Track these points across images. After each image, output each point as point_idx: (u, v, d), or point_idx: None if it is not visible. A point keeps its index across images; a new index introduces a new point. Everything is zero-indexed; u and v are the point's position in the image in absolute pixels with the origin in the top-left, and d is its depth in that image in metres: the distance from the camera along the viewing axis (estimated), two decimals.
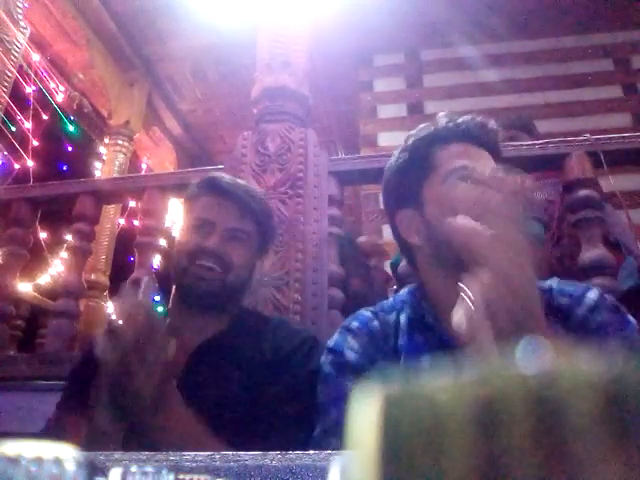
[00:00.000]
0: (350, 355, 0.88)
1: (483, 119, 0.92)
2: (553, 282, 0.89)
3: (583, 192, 1.57)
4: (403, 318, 0.91)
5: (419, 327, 0.88)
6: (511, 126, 2.10)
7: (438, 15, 3.54)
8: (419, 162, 0.91)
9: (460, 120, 0.91)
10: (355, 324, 0.93)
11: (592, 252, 1.51)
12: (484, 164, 0.87)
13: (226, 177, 1.15)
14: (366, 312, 0.96)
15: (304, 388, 0.93)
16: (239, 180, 1.19)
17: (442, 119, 0.93)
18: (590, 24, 3.63)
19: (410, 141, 0.94)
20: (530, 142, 1.71)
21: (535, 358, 0.16)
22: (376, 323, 0.92)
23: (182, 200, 1.19)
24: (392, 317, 0.92)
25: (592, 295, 0.84)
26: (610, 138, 1.66)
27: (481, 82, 3.60)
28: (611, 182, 1.65)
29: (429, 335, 0.86)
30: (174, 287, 1.11)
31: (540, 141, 1.70)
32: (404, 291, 0.97)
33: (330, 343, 0.93)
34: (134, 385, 0.75)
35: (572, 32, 3.68)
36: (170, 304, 1.14)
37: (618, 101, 3.55)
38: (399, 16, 3.54)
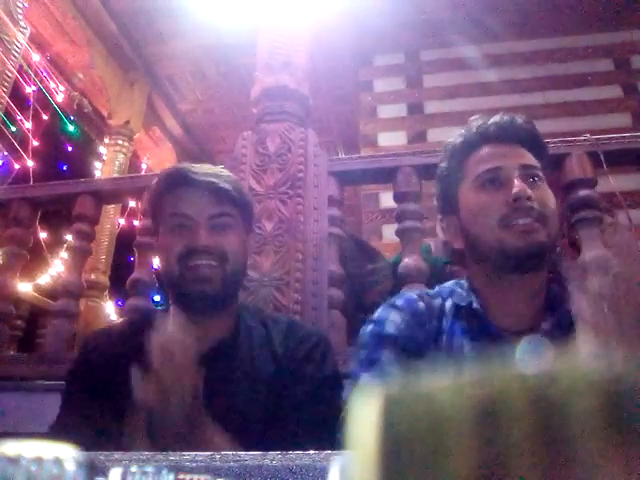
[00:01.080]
0: (390, 328, 0.90)
1: (511, 116, 0.94)
2: None
3: (583, 192, 1.57)
4: (449, 304, 0.93)
5: (464, 314, 0.90)
6: None
7: (438, 15, 3.54)
8: (454, 171, 0.95)
9: (488, 122, 0.93)
10: (400, 302, 0.95)
11: (592, 252, 1.51)
12: (512, 161, 0.89)
13: (188, 166, 1.06)
14: (412, 294, 0.98)
15: (322, 394, 0.93)
16: (205, 165, 1.10)
17: (472, 123, 0.96)
18: (590, 24, 3.63)
19: (447, 150, 0.98)
20: None
21: (535, 358, 0.16)
22: (421, 304, 0.94)
23: (148, 209, 1.11)
24: (437, 302, 0.95)
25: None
26: (610, 138, 1.66)
27: (481, 82, 3.60)
28: (611, 182, 1.65)
29: (473, 323, 0.89)
30: (170, 295, 1.05)
31: None
32: (450, 282, 1.00)
33: (373, 316, 0.95)
34: (170, 419, 0.75)
35: (572, 32, 3.68)
36: (168, 312, 1.03)
37: (618, 101, 3.55)
38: (399, 16, 3.54)
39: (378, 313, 0.94)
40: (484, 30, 3.55)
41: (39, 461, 0.27)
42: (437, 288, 1.00)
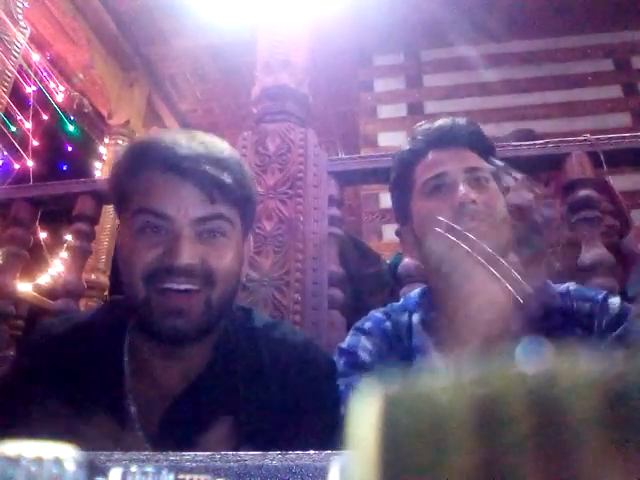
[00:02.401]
0: (364, 355, 0.89)
1: (453, 119, 0.94)
2: (570, 285, 0.91)
3: (583, 192, 1.57)
4: (416, 319, 0.92)
5: (432, 328, 0.89)
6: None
7: (438, 15, 3.54)
8: (404, 180, 0.94)
9: (431, 128, 0.93)
10: (368, 325, 0.95)
11: (592, 252, 1.51)
12: (457, 165, 0.88)
13: (170, 138, 0.74)
14: (377, 313, 0.97)
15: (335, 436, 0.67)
16: (192, 135, 0.76)
17: (417, 130, 0.96)
18: (590, 24, 3.63)
19: (395, 160, 0.97)
20: (530, 142, 1.71)
21: (535, 358, 0.16)
22: (388, 324, 0.93)
23: (110, 192, 0.80)
24: (404, 318, 0.94)
25: (615, 301, 0.85)
26: (610, 138, 1.65)
27: (481, 82, 3.60)
28: (611, 182, 1.65)
29: (441, 336, 0.87)
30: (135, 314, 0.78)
31: (540, 141, 1.70)
32: (415, 292, 1.00)
33: (343, 345, 0.94)
34: None
35: (572, 32, 3.68)
36: (129, 335, 0.79)
37: (618, 101, 3.54)
38: (399, 16, 3.54)
39: (348, 341, 0.93)
40: (484, 30, 3.55)
41: (39, 461, 0.27)
42: (403, 299, 1.00)
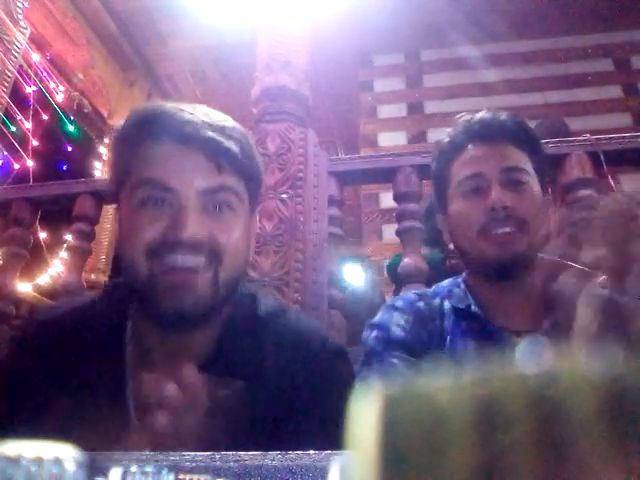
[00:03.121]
0: (396, 331, 0.89)
1: (496, 113, 0.92)
2: None
3: (583, 192, 1.57)
4: (447, 305, 0.92)
5: (464, 315, 0.90)
6: (546, 135, 2.10)
7: (438, 15, 3.54)
8: (442, 173, 0.94)
9: (473, 120, 0.92)
10: (399, 303, 0.95)
11: (593, 252, 1.51)
12: (493, 165, 0.88)
13: (174, 106, 0.70)
14: (409, 295, 0.98)
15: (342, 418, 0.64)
16: (197, 106, 0.73)
17: (459, 122, 0.94)
18: (590, 24, 3.63)
19: (435, 151, 0.98)
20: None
21: (535, 358, 0.16)
22: (421, 304, 0.94)
23: (110, 163, 0.75)
24: (436, 301, 0.94)
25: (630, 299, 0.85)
26: (610, 138, 1.65)
27: (481, 82, 3.60)
28: (611, 182, 1.65)
29: (474, 324, 0.88)
30: (134, 300, 0.74)
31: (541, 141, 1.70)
32: (447, 281, 0.99)
33: (375, 320, 0.93)
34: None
35: (572, 32, 3.68)
36: (131, 322, 0.75)
37: (618, 101, 3.54)
38: (399, 16, 3.54)
39: (380, 316, 0.92)
40: (484, 30, 3.55)
41: (39, 461, 0.27)
42: (434, 287, 1.00)
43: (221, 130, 0.69)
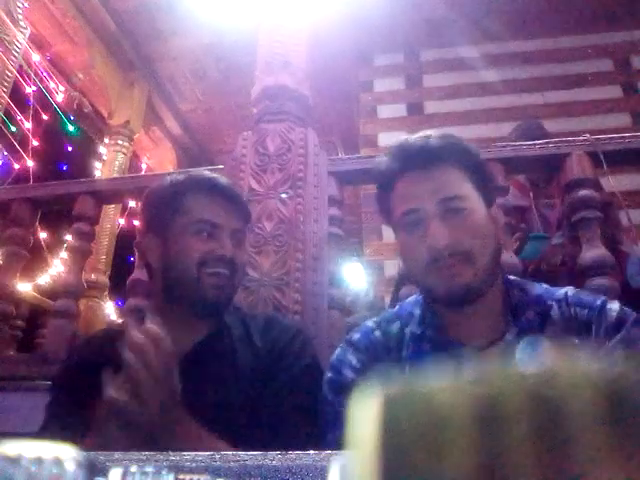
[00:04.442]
0: (348, 373, 0.89)
1: (427, 136, 0.87)
2: (569, 290, 0.88)
3: (583, 192, 1.57)
4: (408, 331, 0.91)
5: (422, 338, 0.89)
6: (522, 137, 2.10)
7: (438, 15, 3.54)
8: (382, 206, 0.94)
9: (403, 149, 0.88)
10: (356, 336, 0.94)
11: (592, 252, 1.51)
12: (430, 198, 0.84)
13: (210, 173, 1.12)
14: (369, 323, 0.97)
15: (301, 382, 0.94)
16: (218, 175, 1.15)
17: (391, 152, 0.91)
18: (590, 24, 3.63)
19: (375, 178, 0.96)
20: (530, 142, 1.71)
21: (535, 358, 0.16)
22: (378, 334, 0.93)
23: (153, 204, 1.10)
24: (395, 327, 0.93)
25: (614, 307, 0.83)
26: (610, 138, 1.66)
27: (481, 82, 3.60)
28: (611, 182, 1.65)
29: (434, 345, 0.87)
30: (171, 295, 1.04)
31: (540, 141, 1.70)
32: (411, 300, 0.98)
33: (332, 358, 0.94)
34: (145, 419, 0.75)
35: (572, 32, 3.68)
36: (150, 307, 1.07)
37: (618, 101, 3.55)
38: (399, 16, 3.54)
39: (336, 355, 0.93)
40: (484, 30, 3.55)
41: (39, 461, 0.27)
42: (398, 307, 0.98)
43: (235, 190, 1.11)
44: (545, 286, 0.91)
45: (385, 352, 0.90)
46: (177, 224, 1.04)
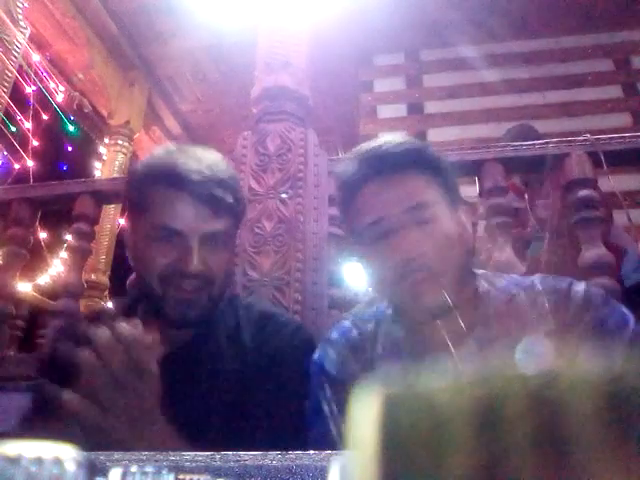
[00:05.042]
0: (330, 368, 0.89)
1: (386, 143, 0.85)
2: (535, 279, 0.87)
3: (583, 192, 1.57)
4: (382, 331, 0.91)
5: (393, 339, 0.89)
6: (516, 138, 2.11)
7: (438, 15, 3.54)
8: (344, 217, 0.90)
9: (366, 156, 0.85)
10: (334, 335, 0.94)
11: (592, 252, 1.51)
12: (395, 206, 0.82)
13: (181, 158, 0.89)
14: (346, 322, 0.96)
15: (301, 387, 0.89)
16: (199, 155, 0.91)
17: (353, 159, 0.88)
18: (590, 24, 3.63)
19: (336, 187, 0.93)
20: (530, 142, 1.71)
21: (535, 358, 0.16)
22: (355, 333, 0.92)
23: (124, 196, 0.96)
24: (370, 327, 0.92)
25: (580, 288, 0.82)
26: (610, 138, 1.65)
27: (481, 82, 3.60)
28: (611, 182, 1.65)
29: (405, 345, 0.87)
30: (145, 304, 0.94)
31: (540, 141, 1.70)
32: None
33: (315, 355, 0.94)
34: (108, 425, 0.67)
35: (572, 32, 3.68)
36: (123, 309, 0.97)
37: (618, 101, 3.54)
38: (399, 16, 3.54)
39: (317, 352, 0.93)
40: (484, 30, 3.55)
41: (39, 461, 0.27)
42: (375, 307, 0.97)
43: (221, 183, 0.88)
44: (515, 276, 0.91)
45: (361, 352, 0.90)
46: (141, 225, 0.90)
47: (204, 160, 0.90)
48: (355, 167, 0.86)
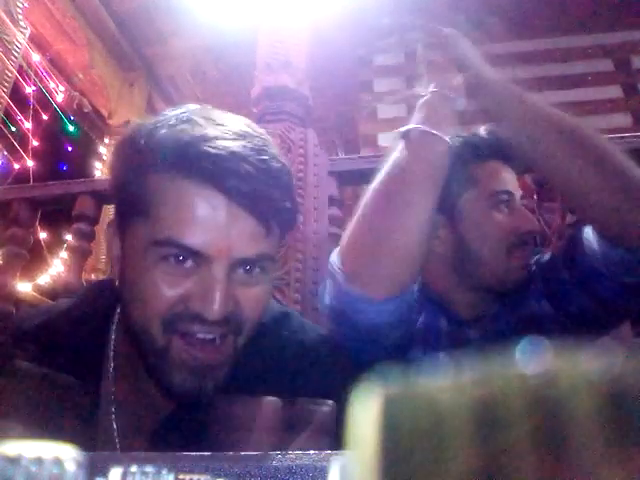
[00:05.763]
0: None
1: (493, 132, 0.95)
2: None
3: None
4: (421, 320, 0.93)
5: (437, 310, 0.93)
6: None
7: (438, 15, 3.54)
8: (456, 173, 0.90)
9: (495, 137, 0.94)
10: None
11: None
12: (516, 189, 0.92)
13: (209, 128, 0.55)
14: None
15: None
16: (237, 127, 0.57)
17: (479, 134, 0.97)
18: (590, 24, 3.63)
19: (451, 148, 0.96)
20: None
21: (535, 358, 0.16)
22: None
23: (116, 192, 0.61)
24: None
25: (545, 256, 0.92)
26: (610, 138, 1.65)
27: None
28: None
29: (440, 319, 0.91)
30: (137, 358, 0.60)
31: None
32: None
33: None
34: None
35: (572, 32, 3.68)
36: (114, 334, 0.65)
37: (618, 101, 3.54)
38: (399, 16, 3.54)
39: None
40: (484, 30, 3.55)
41: (39, 461, 0.27)
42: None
43: (275, 177, 0.56)
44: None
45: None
46: (137, 237, 0.57)
47: (247, 137, 0.57)
48: (480, 140, 0.95)
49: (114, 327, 0.66)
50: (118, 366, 0.64)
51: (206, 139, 0.53)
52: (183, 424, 0.58)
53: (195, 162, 0.52)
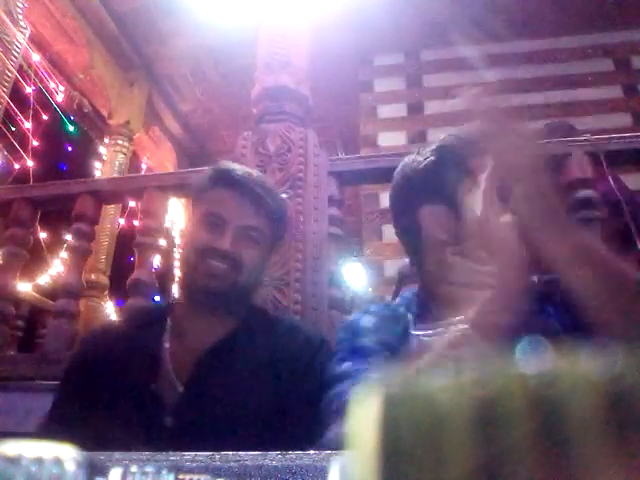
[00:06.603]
0: (366, 323, 0.94)
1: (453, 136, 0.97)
2: None
3: (583, 192, 1.57)
4: (410, 316, 0.95)
5: (426, 320, 0.92)
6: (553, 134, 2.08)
7: (438, 15, 3.54)
8: (453, 164, 0.92)
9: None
10: (371, 308, 1.00)
11: None
12: None
13: (239, 168, 1.09)
14: (380, 303, 1.06)
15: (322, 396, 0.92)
16: (253, 171, 1.12)
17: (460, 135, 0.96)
18: (590, 24, 3.63)
19: (442, 143, 0.99)
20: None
21: (535, 358, 0.16)
22: (387, 312, 0.98)
23: (191, 193, 1.15)
24: (402, 310, 0.97)
25: None
26: (610, 138, 1.65)
27: (481, 82, 3.60)
28: (611, 182, 1.65)
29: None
30: (181, 287, 1.10)
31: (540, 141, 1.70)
32: (410, 292, 1.02)
33: (347, 321, 1.01)
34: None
35: (572, 32, 3.68)
36: (175, 306, 1.12)
37: (618, 101, 3.54)
38: (399, 16, 3.54)
39: (351, 317, 1.00)
40: (484, 30, 3.55)
41: (39, 461, 0.27)
42: (399, 299, 1.03)
43: (264, 188, 1.06)
44: None
45: (396, 325, 0.93)
46: (197, 215, 1.07)
47: (246, 168, 1.12)
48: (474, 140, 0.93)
49: (169, 312, 1.10)
50: (173, 326, 1.06)
51: (230, 168, 1.09)
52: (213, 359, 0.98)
53: (220, 178, 1.06)
